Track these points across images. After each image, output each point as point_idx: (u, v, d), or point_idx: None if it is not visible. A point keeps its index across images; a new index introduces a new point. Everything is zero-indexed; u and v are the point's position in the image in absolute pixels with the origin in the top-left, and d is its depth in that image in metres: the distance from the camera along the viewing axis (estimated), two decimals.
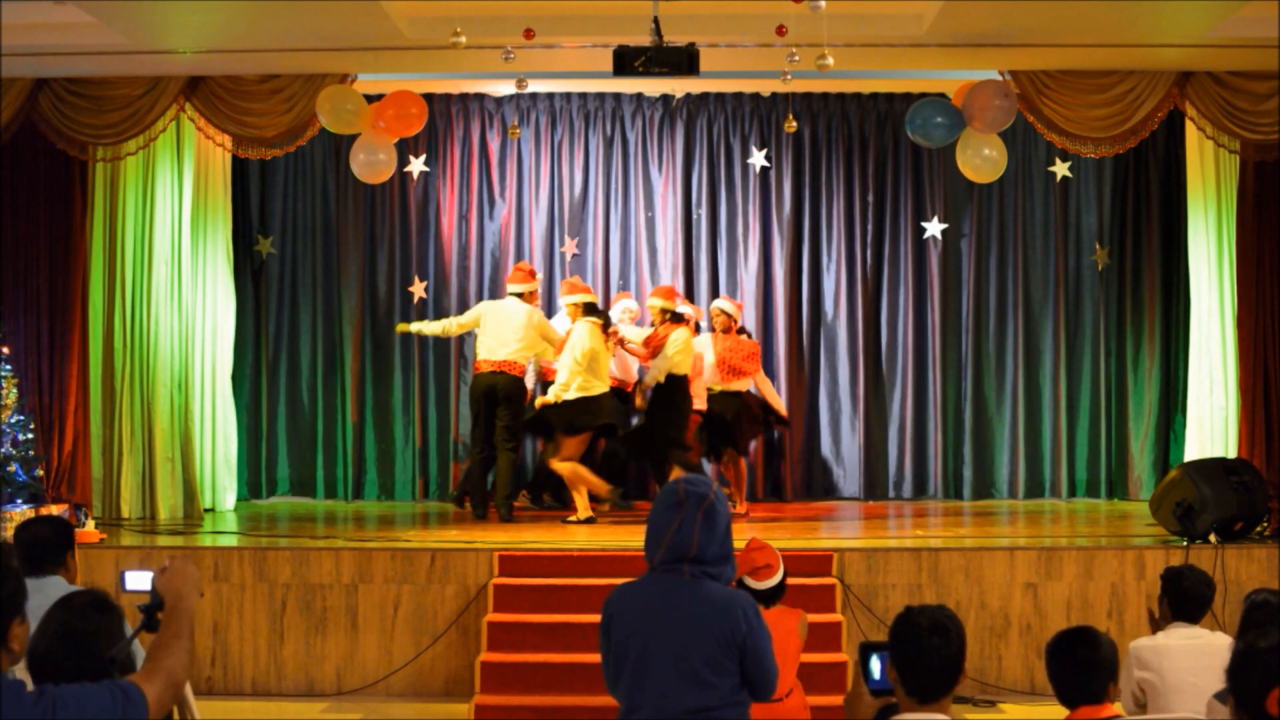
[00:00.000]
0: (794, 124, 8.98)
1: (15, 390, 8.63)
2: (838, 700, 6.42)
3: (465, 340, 10.99)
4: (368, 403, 11.04)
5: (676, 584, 3.60)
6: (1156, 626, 4.99)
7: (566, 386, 9.08)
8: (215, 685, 7.74)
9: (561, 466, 9.21)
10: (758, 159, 10.99)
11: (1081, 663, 3.66)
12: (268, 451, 11.00)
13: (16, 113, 8.83)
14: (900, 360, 11.04)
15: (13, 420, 8.48)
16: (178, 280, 9.73)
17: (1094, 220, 11.10)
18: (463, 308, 10.77)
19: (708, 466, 9.96)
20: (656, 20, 7.18)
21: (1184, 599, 4.93)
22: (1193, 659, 4.76)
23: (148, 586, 3.56)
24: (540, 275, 10.90)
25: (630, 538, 8.24)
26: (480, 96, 10.95)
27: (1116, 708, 3.69)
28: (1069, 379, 11.08)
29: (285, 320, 11.09)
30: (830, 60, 7.26)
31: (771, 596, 5.08)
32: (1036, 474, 11.07)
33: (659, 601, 3.61)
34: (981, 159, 9.14)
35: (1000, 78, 8.91)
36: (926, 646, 3.09)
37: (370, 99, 9.15)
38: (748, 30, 8.10)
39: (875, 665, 3.28)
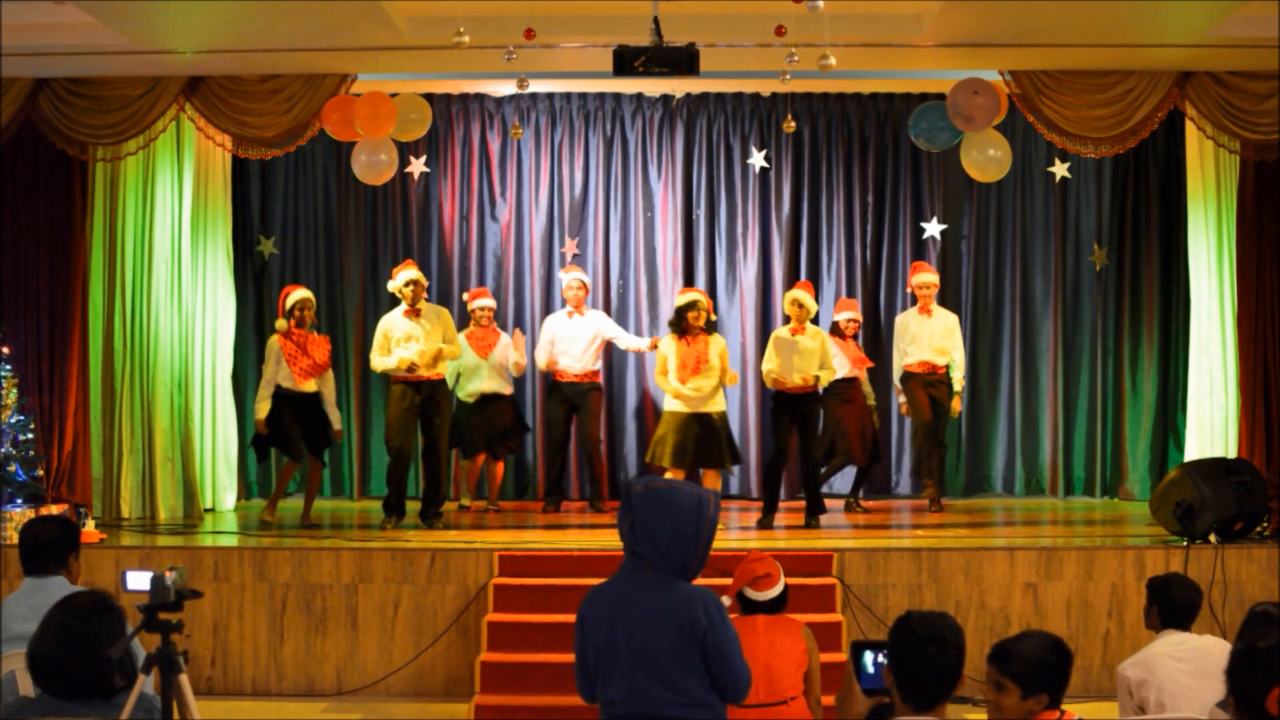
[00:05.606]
0: (793, 124, 8.95)
1: (15, 390, 8.62)
2: None
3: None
4: (370, 402, 11.04)
5: (643, 582, 3.67)
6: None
7: None
8: (215, 685, 7.73)
9: None
10: (757, 159, 10.98)
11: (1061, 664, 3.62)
12: None
13: (16, 113, 8.83)
14: None
15: (13, 420, 8.47)
16: (178, 280, 9.72)
17: (1093, 220, 11.09)
18: (462, 307, 10.77)
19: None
20: (656, 20, 7.17)
21: (1174, 606, 4.98)
22: (1184, 663, 4.79)
23: (148, 586, 3.57)
24: (540, 275, 10.95)
25: None
26: (480, 97, 10.95)
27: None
28: (1066, 379, 11.07)
29: None
30: (832, 60, 7.27)
31: (773, 607, 5.10)
32: (1033, 473, 11.08)
33: (626, 600, 3.68)
34: (987, 158, 9.16)
35: (1000, 78, 8.91)
36: (924, 656, 3.11)
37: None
38: (748, 30, 8.09)
39: (869, 663, 3.29)
